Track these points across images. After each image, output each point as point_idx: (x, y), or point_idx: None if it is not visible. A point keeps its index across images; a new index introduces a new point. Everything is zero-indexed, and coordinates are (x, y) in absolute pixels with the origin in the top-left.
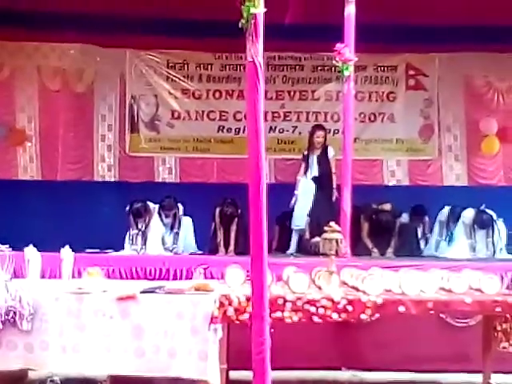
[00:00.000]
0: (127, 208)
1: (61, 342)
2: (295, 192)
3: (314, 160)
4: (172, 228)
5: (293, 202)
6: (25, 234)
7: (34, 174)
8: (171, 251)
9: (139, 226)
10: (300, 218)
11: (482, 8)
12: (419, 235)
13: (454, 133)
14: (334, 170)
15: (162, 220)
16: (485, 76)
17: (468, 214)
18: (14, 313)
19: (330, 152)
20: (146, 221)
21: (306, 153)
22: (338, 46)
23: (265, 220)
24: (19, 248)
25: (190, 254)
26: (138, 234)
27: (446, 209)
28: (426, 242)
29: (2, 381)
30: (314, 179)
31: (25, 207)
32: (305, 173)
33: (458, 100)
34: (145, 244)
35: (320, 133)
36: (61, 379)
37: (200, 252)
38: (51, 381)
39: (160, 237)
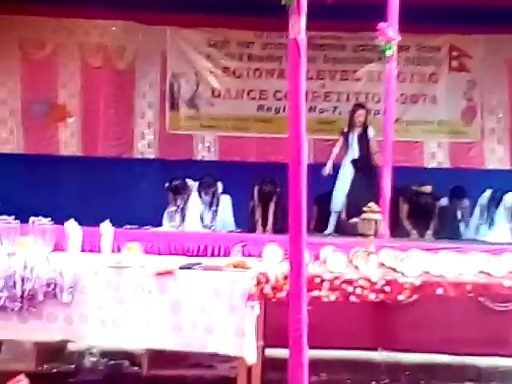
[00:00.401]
0: (166, 185)
1: (100, 315)
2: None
3: (354, 139)
4: (210, 206)
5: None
6: (66, 209)
7: (75, 149)
8: (210, 229)
9: (178, 203)
10: (339, 200)
11: None
12: (459, 218)
13: (498, 115)
14: (374, 151)
15: (200, 197)
16: None
17: (509, 198)
18: (55, 285)
19: (371, 132)
20: (185, 198)
21: (346, 130)
22: (381, 25)
23: (304, 200)
24: (60, 222)
25: (229, 232)
26: (176, 211)
27: (488, 192)
28: (466, 226)
29: (42, 352)
30: (354, 161)
31: (66, 183)
32: (345, 151)
33: (502, 83)
34: (183, 221)
35: (361, 111)
36: (99, 352)
37: (238, 230)
38: (90, 353)
39: (198, 214)
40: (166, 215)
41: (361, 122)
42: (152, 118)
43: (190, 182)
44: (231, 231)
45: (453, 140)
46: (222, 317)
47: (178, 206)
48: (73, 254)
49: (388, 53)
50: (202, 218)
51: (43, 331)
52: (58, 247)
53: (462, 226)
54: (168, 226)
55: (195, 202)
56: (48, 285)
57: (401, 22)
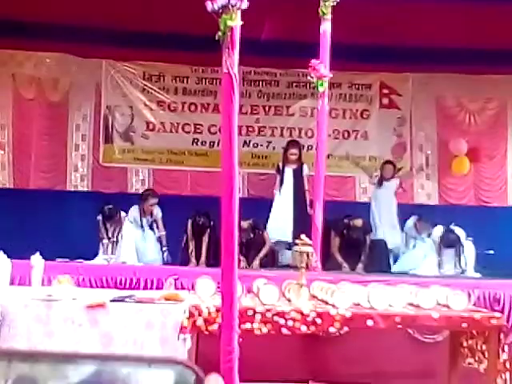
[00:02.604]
0: (98, 217)
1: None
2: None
3: (289, 174)
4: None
5: None
6: None
7: (6, 181)
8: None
9: (109, 235)
10: (274, 231)
11: (454, 31)
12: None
13: (426, 152)
14: (306, 188)
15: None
16: (456, 97)
17: (436, 233)
18: None
19: (305, 170)
20: (117, 229)
21: (280, 165)
22: (314, 61)
23: (236, 233)
24: None
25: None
26: (109, 243)
27: (411, 219)
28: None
29: None
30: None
31: None
32: (280, 185)
33: (431, 120)
34: (115, 253)
35: (294, 150)
36: None
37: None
38: None
39: (133, 244)
40: (100, 247)
41: (294, 160)
42: (86, 150)
43: (122, 213)
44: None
45: None
46: (153, 350)
47: (110, 239)
48: (1, 287)
49: (320, 89)
50: (136, 248)
51: None
52: None
53: (391, 259)
54: (102, 258)
55: (128, 232)
56: None
57: (333, 60)
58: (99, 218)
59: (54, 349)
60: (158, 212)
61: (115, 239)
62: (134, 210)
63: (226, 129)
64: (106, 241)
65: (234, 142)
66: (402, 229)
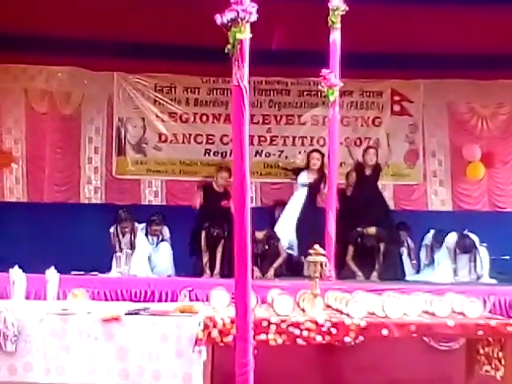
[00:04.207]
0: (111, 229)
1: (45, 364)
2: None
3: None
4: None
5: None
6: (10, 256)
7: (20, 195)
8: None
9: (122, 246)
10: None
11: (465, 36)
12: (404, 259)
13: (439, 158)
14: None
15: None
16: (468, 102)
17: (451, 239)
18: None
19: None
20: (130, 240)
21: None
22: (324, 71)
23: (249, 243)
24: (5, 269)
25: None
26: (121, 255)
27: (431, 233)
28: (411, 267)
29: None
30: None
31: (11, 229)
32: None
33: (443, 126)
34: (129, 264)
35: (316, 154)
36: None
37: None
38: None
39: (146, 256)
40: (114, 260)
41: (316, 167)
42: (98, 163)
43: (136, 224)
44: (169, 276)
45: (396, 182)
46: (169, 362)
47: (122, 249)
48: (17, 302)
49: (331, 98)
50: (149, 260)
51: None
52: (2, 295)
53: (406, 267)
54: (115, 270)
55: (142, 244)
56: None
57: (344, 68)
58: (112, 230)
59: (70, 364)
60: (165, 233)
61: (128, 250)
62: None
63: (237, 141)
64: (119, 254)
65: (245, 154)
66: None
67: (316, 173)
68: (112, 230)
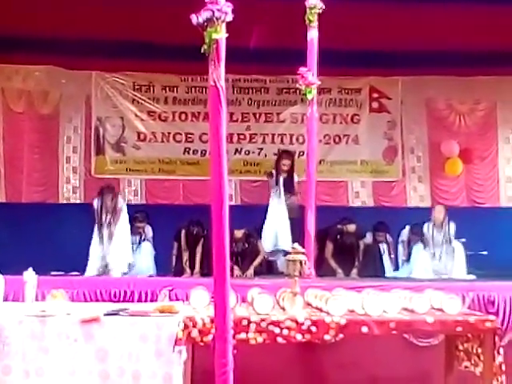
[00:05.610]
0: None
1: (24, 366)
2: None
3: (280, 182)
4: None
5: None
6: None
7: None
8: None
9: (103, 220)
10: (271, 239)
11: (443, 33)
12: (384, 256)
13: (417, 154)
14: (297, 193)
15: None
16: (446, 99)
17: (427, 229)
18: None
19: (295, 178)
20: (113, 219)
21: (274, 172)
22: (301, 69)
23: (227, 241)
24: None
25: (149, 276)
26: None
27: (407, 228)
28: (391, 263)
29: None
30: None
31: None
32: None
33: (421, 122)
34: (110, 240)
35: (286, 161)
36: None
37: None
38: None
39: (128, 232)
40: (94, 237)
41: (286, 169)
42: (77, 162)
43: (120, 200)
44: (151, 275)
45: (375, 179)
46: (149, 362)
47: (102, 225)
48: None
49: (309, 96)
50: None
51: None
52: None
53: (386, 264)
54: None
55: (125, 219)
56: None
57: (322, 66)
58: (96, 203)
59: (50, 366)
60: (148, 231)
61: (110, 231)
62: None
63: (214, 141)
64: (101, 232)
65: (222, 154)
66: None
67: (286, 174)
68: (95, 203)
